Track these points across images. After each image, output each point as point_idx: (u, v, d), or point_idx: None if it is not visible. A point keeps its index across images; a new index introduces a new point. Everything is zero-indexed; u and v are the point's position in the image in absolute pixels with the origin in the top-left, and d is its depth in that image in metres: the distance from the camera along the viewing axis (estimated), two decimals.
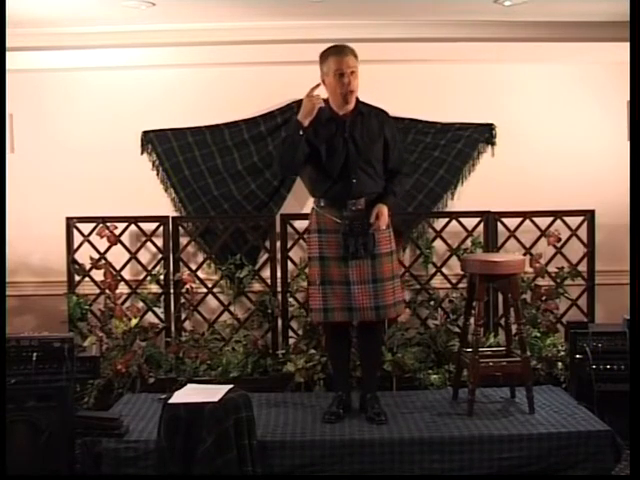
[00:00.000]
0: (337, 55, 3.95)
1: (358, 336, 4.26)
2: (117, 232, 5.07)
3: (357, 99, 4.06)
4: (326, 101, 4.07)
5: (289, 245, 5.10)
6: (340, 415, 4.08)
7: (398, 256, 4.30)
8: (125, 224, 5.09)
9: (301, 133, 3.94)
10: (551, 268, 5.14)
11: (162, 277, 5.10)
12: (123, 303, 5.07)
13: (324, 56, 4.01)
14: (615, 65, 5.04)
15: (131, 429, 3.94)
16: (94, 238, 5.06)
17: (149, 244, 5.15)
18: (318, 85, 4.00)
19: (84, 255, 5.08)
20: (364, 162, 4.01)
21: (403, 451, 3.79)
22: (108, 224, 5.06)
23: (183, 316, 5.12)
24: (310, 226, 4.21)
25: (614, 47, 4.92)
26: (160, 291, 5.12)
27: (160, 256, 5.14)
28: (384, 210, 4.00)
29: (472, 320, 4.28)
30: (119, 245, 5.08)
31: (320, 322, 4.21)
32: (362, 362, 4.31)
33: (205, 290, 5.15)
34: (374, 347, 4.27)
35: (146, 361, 4.84)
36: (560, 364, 4.78)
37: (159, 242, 5.12)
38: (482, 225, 5.13)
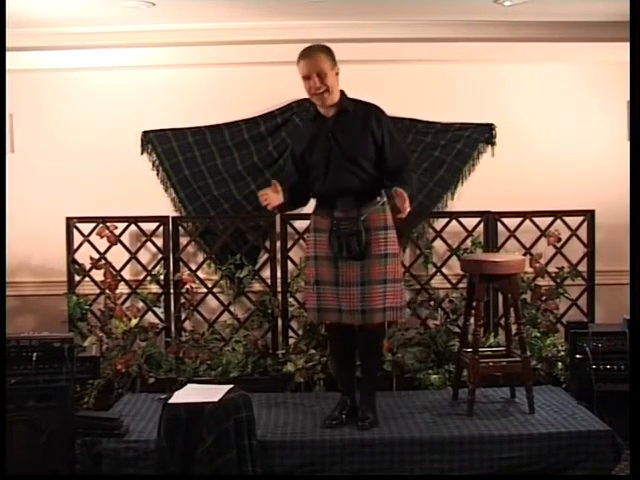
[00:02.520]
0: (302, 58, 3.89)
1: (358, 339, 4.20)
2: (117, 232, 5.07)
3: (344, 96, 3.97)
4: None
5: (289, 245, 5.10)
6: (342, 420, 4.01)
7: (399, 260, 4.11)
8: (125, 224, 5.10)
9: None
10: (551, 268, 5.14)
11: (162, 277, 5.10)
12: (123, 303, 5.08)
13: (297, 59, 3.93)
14: (615, 65, 5.05)
15: (131, 429, 3.93)
16: (94, 238, 5.06)
17: (149, 244, 5.16)
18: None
19: (84, 255, 5.08)
20: (348, 160, 3.90)
21: (403, 451, 3.79)
22: (108, 224, 5.06)
23: (183, 316, 5.12)
24: (309, 225, 4.19)
25: (614, 47, 4.93)
26: (160, 291, 5.12)
27: (160, 256, 5.14)
28: (401, 192, 3.70)
29: (472, 320, 4.28)
30: (119, 245, 5.09)
31: (313, 322, 4.16)
32: (361, 368, 4.24)
33: (205, 290, 5.15)
34: (370, 351, 4.15)
35: (146, 361, 4.84)
36: (560, 364, 4.78)
37: (159, 242, 5.13)
38: (482, 225, 5.14)
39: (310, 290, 4.07)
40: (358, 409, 4.06)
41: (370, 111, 3.97)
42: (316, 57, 3.87)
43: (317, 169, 3.99)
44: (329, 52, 3.92)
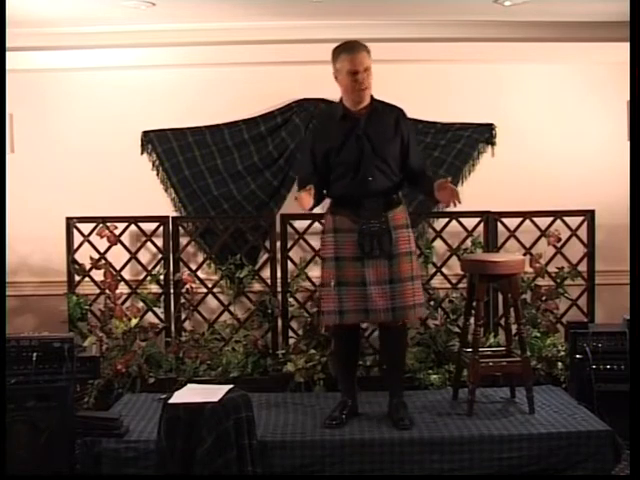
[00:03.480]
0: (350, 53, 3.86)
1: (381, 339, 4.19)
2: (117, 232, 5.07)
3: (371, 96, 3.99)
4: (340, 99, 4.03)
5: (289, 245, 5.10)
6: (343, 420, 4.00)
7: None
8: (125, 224, 5.10)
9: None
10: (551, 268, 5.14)
11: (162, 277, 5.10)
12: (123, 303, 5.07)
13: (336, 53, 3.91)
14: (615, 65, 5.04)
15: (131, 429, 3.93)
16: (94, 238, 5.06)
17: (149, 244, 5.15)
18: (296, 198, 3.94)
19: (84, 255, 5.08)
20: (380, 160, 3.92)
21: (403, 451, 3.79)
22: (108, 224, 5.06)
23: (183, 316, 5.12)
24: (325, 226, 4.11)
25: (614, 47, 4.93)
26: (160, 291, 5.12)
27: (160, 256, 5.14)
28: (446, 184, 3.80)
29: (472, 320, 4.28)
30: (119, 245, 5.09)
31: (334, 324, 4.06)
32: (386, 366, 4.25)
33: (205, 290, 5.15)
34: (397, 351, 4.17)
35: (146, 361, 4.84)
36: (560, 364, 4.78)
37: (159, 242, 5.12)
38: (482, 225, 5.13)
39: (329, 292, 3.98)
40: (393, 409, 4.05)
41: (397, 112, 4.03)
42: (364, 53, 3.88)
43: (344, 168, 3.95)
44: (369, 51, 3.93)
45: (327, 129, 4.03)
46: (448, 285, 5.16)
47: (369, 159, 3.92)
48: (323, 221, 4.17)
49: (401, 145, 3.99)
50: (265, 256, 5.17)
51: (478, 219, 5.13)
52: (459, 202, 3.82)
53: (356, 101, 3.95)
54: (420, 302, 4.03)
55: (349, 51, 3.87)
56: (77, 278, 5.10)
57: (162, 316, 5.11)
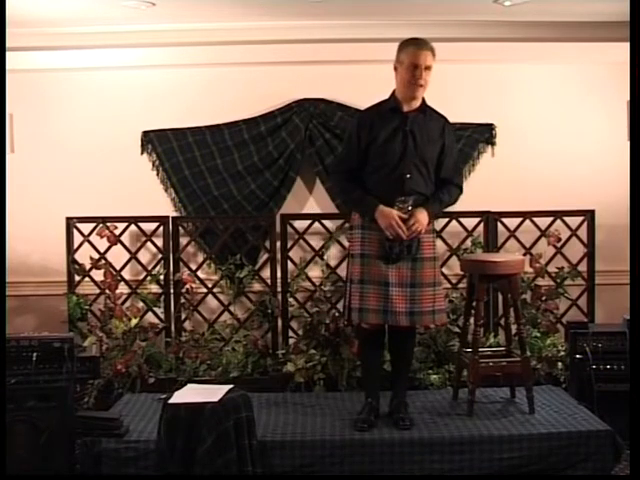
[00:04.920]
0: (416, 47, 3.90)
1: (390, 340, 4.18)
2: (117, 232, 5.07)
3: (423, 99, 4.01)
4: (392, 92, 4.02)
5: (289, 245, 5.10)
6: (372, 422, 3.97)
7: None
8: (125, 224, 5.10)
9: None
10: (551, 268, 5.14)
11: (162, 277, 5.10)
12: (123, 303, 5.07)
13: (403, 45, 3.94)
14: (615, 65, 5.04)
15: (131, 429, 3.93)
16: (94, 238, 5.06)
17: (149, 244, 5.15)
18: None
19: (84, 255, 5.08)
20: (420, 160, 3.91)
21: (403, 451, 3.79)
22: (108, 224, 5.06)
23: (183, 316, 5.11)
24: (353, 222, 4.07)
25: (614, 47, 4.93)
26: (160, 291, 5.12)
27: (160, 256, 5.14)
28: (422, 216, 3.86)
29: (472, 320, 4.28)
30: (119, 245, 5.09)
31: (357, 325, 4.07)
32: (393, 366, 4.25)
33: (205, 290, 5.15)
34: (405, 352, 4.18)
35: (146, 361, 4.84)
36: (560, 364, 4.78)
37: (159, 242, 5.12)
38: (482, 225, 5.13)
39: (354, 289, 3.96)
40: (394, 408, 4.06)
41: (444, 120, 4.05)
42: (429, 50, 3.92)
43: (382, 161, 3.92)
44: (434, 52, 3.97)
45: (374, 119, 3.99)
46: (448, 285, 5.16)
47: (410, 157, 3.91)
48: (353, 216, 4.08)
49: (441, 152, 3.99)
50: (265, 256, 5.17)
51: (478, 219, 5.13)
52: (416, 229, 3.85)
53: (409, 96, 3.95)
54: (441, 308, 4.02)
55: (416, 45, 3.92)
56: (77, 278, 5.10)
57: (162, 316, 5.11)
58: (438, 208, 4.01)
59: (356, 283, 3.95)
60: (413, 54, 3.89)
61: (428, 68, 3.91)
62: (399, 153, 3.91)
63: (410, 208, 3.86)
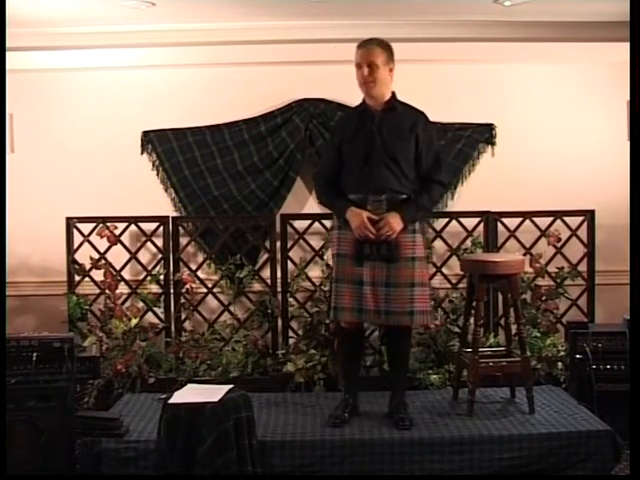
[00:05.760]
0: (358, 47, 3.95)
1: (387, 341, 4.19)
2: (117, 232, 5.07)
3: (394, 97, 4.02)
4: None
5: (289, 245, 5.10)
6: (345, 419, 4.01)
7: (426, 263, 4.15)
8: (125, 224, 5.09)
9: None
10: (551, 268, 5.14)
11: (162, 277, 5.10)
12: (123, 303, 5.07)
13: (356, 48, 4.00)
14: (615, 65, 5.04)
15: (131, 429, 3.93)
16: (94, 238, 5.06)
17: (149, 244, 5.15)
18: None
19: (84, 255, 5.07)
20: (390, 159, 3.91)
21: (403, 451, 3.79)
22: (108, 224, 5.06)
23: (183, 316, 5.11)
24: (333, 223, 4.15)
25: (614, 47, 4.92)
26: (160, 291, 5.12)
27: (160, 256, 5.14)
28: (394, 220, 3.86)
29: (472, 320, 4.28)
30: (119, 245, 5.09)
31: (336, 323, 4.13)
32: (390, 366, 4.26)
33: (205, 290, 5.15)
34: (401, 353, 4.17)
35: (146, 361, 4.84)
36: (560, 364, 4.78)
37: (159, 242, 5.12)
38: (482, 225, 5.13)
39: (333, 288, 4.01)
40: (394, 409, 4.06)
41: (418, 116, 4.04)
42: (371, 49, 3.93)
43: (353, 161, 3.96)
44: (386, 47, 3.97)
45: (345, 122, 4.09)
46: (448, 285, 5.16)
47: (378, 156, 3.92)
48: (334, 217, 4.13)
49: (415, 149, 3.98)
50: (265, 256, 5.17)
51: (478, 219, 5.13)
52: (385, 232, 3.85)
53: (367, 95, 3.99)
54: (422, 309, 3.96)
55: (359, 46, 3.97)
56: (77, 278, 5.09)
57: (162, 316, 5.11)
58: (415, 212, 3.96)
59: (333, 282, 4.02)
60: (356, 55, 3.96)
61: (374, 65, 3.91)
62: (367, 152, 3.93)
63: (385, 207, 3.88)
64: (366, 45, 3.95)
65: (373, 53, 3.92)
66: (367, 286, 3.92)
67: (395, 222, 3.87)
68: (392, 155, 3.93)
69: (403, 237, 3.93)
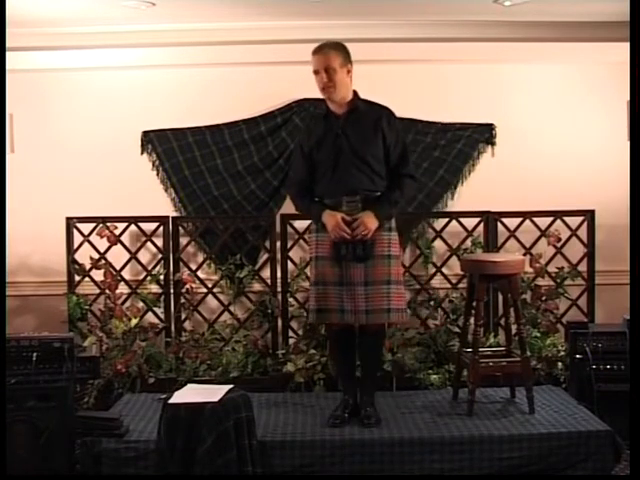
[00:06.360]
0: (314, 54, 3.95)
1: (358, 338, 4.20)
2: (117, 232, 5.07)
3: (356, 96, 4.02)
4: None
5: (289, 245, 5.10)
6: (345, 419, 4.02)
7: (400, 262, 4.17)
8: (125, 224, 5.10)
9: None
10: (551, 268, 5.14)
11: (162, 277, 5.10)
12: (123, 303, 5.07)
13: (311, 54, 4.00)
14: (615, 65, 5.04)
15: (131, 429, 3.93)
16: (94, 238, 5.06)
17: (149, 244, 5.15)
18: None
19: (84, 255, 5.08)
20: (359, 160, 3.93)
21: (403, 451, 3.79)
22: (108, 224, 5.06)
23: (183, 316, 5.11)
24: (310, 225, 4.20)
25: (614, 47, 4.93)
26: (160, 291, 5.12)
27: (160, 256, 5.14)
28: (368, 219, 3.88)
29: (472, 320, 4.28)
30: (119, 245, 5.09)
31: (315, 323, 4.18)
32: (360, 365, 4.27)
33: (205, 290, 5.15)
34: (371, 351, 4.18)
35: (146, 361, 4.84)
36: (560, 364, 4.78)
37: (159, 242, 5.12)
38: (482, 225, 5.13)
39: (312, 291, 4.05)
40: (361, 408, 4.07)
41: (382, 112, 4.02)
42: (326, 53, 3.92)
43: (324, 166, 3.98)
44: (341, 50, 3.96)
45: (311, 128, 4.10)
46: (448, 285, 5.16)
47: (347, 158, 3.94)
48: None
49: (384, 145, 3.98)
50: (265, 256, 5.17)
51: (478, 219, 5.13)
52: (361, 231, 3.87)
53: (328, 99, 4.00)
54: (398, 307, 3.98)
55: (314, 52, 3.97)
56: (77, 278, 5.09)
57: (162, 316, 5.11)
58: (388, 208, 3.97)
59: (312, 285, 4.03)
60: (312, 61, 3.96)
61: (331, 69, 3.90)
62: (335, 157, 3.94)
63: (360, 207, 3.90)
64: (321, 50, 3.94)
65: (329, 57, 3.91)
66: (347, 286, 3.94)
67: (370, 221, 3.89)
68: (361, 156, 3.94)
69: (379, 235, 3.96)
